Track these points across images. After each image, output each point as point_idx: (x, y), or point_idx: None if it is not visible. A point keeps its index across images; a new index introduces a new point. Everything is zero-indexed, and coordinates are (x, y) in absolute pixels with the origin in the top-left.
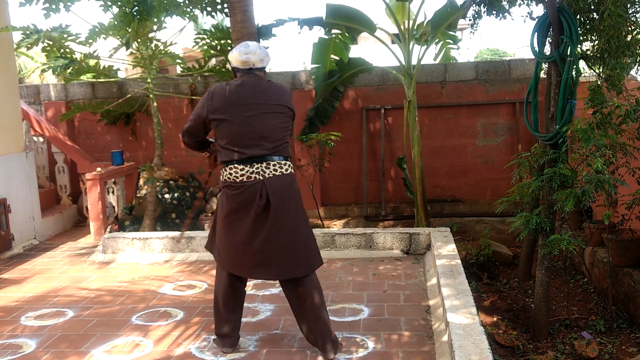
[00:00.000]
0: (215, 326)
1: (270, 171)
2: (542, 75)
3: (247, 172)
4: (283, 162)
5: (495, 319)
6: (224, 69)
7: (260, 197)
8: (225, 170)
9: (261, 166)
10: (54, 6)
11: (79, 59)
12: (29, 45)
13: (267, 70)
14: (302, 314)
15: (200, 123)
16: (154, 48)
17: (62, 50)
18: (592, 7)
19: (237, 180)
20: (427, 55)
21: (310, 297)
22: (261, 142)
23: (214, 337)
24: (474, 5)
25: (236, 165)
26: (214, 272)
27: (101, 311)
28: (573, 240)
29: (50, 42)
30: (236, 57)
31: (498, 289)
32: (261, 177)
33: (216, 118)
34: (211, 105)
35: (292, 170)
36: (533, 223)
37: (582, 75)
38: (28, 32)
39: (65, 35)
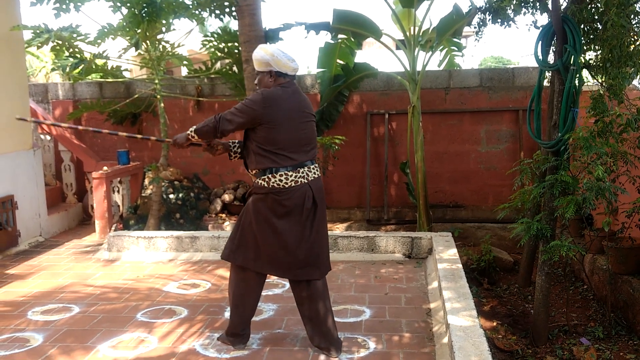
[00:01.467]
0: (234, 327)
1: (312, 174)
2: (546, 83)
3: (295, 177)
4: (316, 165)
5: (494, 323)
6: (230, 72)
7: (307, 199)
8: (274, 177)
9: (305, 170)
10: (64, 6)
11: (88, 59)
12: (40, 44)
13: None
14: (311, 315)
15: (249, 123)
16: (162, 49)
17: (70, 50)
18: (596, 17)
19: (287, 185)
20: (432, 61)
21: (322, 298)
22: (307, 149)
23: (217, 335)
24: (479, 13)
25: (287, 171)
26: (217, 271)
27: (106, 307)
28: (573, 247)
29: (60, 42)
30: (285, 63)
31: (498, 295)
32: (306, 181)
33: (271, 122)
34: (270, 109)
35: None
36: (534, 229)
37: (585, 84)
38: (39, 31)
39: (74, 35)
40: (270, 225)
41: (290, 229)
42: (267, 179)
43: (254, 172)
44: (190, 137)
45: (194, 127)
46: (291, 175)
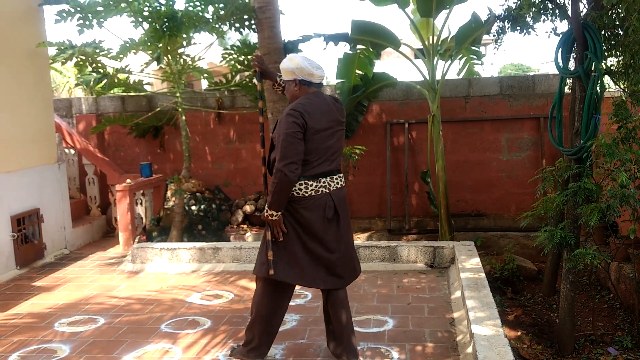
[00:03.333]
0: (257, 342)
1: (335, 184)
2: (567, 90)
3: (315, 186)
4: (341, 174)
5: (519, 333)
6: (250, 84)
7: (328, 209)
8: (295, 185)
9: (326, 180)
10: (87, 22)
11: (111, 74)
12: (64, 60)
13: None
14: (338, 323)
15: (301, 145)
16: (182, 63)
17: (93, 65)
18: (617, 23)
19: (307, 194)
20: (451, 70)
21: (347, 305)
22: (331, 158)
23: (234, 346)
24: (498, 21)
25: (307, 180)
26: (240, 282)
27: (131, 319)
28: (598, 255)
29: (83, 57)
30: (309, 70)
31: (522, 304)
32: (327, 190)
33: (309, 135)
34: (308, 120)
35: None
36: (557, 237)
37: (607, 90)
38: (63, 48)
39: (97, 51)
40: (293, 235)
41: (312, 239)
42: None
43: None
44: (274, 215)
45: (269, 207)
46: (311, 185)
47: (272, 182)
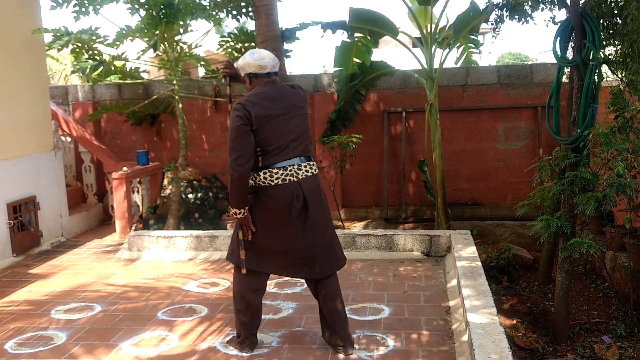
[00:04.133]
0: (243, 335)
1: (303, 172)
2: (564, 79)
3: (281, 175)
4: (311, 162)
5: (514, 321)
6: None
7: (297, 199)
8: (259, 175)
9: (293, 168)
10: (83, 9)
11: (107, 61)
12: (60, 47)
13: (288, 73)
14: (330, 313)
15: (248, 138)
16: (179, 50)
17: (90, 52)
18: (615, 11)
19: (272, 183)
20: (449, 59)
21: (337, 295)
22: (295, 144)
23: (228, 339)
24: (496, 9)
25: (271, 169)
26: None
27: (128, 306)
28: (594, 244)
29: (80, 44)
30: (252, 62)
31: (518, 292)
32: (295, 179)
33: (258, 126)
34: (252, 110)
35: (317, 168)
36: (554, 226)
37: (604, 79)
38: (59, 34)
39: (94, 37)
40: (262, 224)
41: (281, 228)
42: (254, 178)
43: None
44: (238, 212)
45: (230, 205)
46: (276, 173)
47: (230, 181)
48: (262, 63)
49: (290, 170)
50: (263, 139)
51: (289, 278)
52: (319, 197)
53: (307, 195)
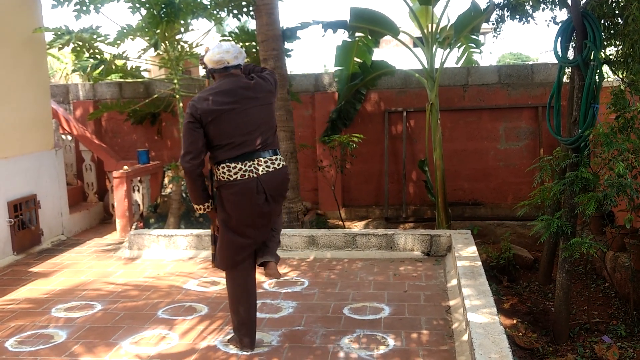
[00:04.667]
0: (240, 334)
1: (264, 167)
2: (565, 79)
3: (239, 169)
4: (274, 157)
5: (515, 321)
6: None
7: (258, 194)
8: (218, 170)
9: (253, 163)
10: (84, 8)
11: (108, 60)
12: (61, 46)
13: (289, 72)
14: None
15: (200, 135)
16: (180, 49)
17: (91, 51)
18: (617, 12)
19: (231, 178)
20: (450, 58)
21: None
22: (253, 137)
23: (228, 338)
24: (497, 9)
25: (229, 163)
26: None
27: (128, 305)
28: (594, 244)
29: (81, 43)
30: (210, 57)
31: (518, 292)
32: (255, 175)
33: (210, 122)
34: (199, 112)
35: (284, 163)
36: (554, 226)
37: (605, 79)
38: (60, 33)
39: (95, 36)
40: (224, 221)
41: (240, 224)
42: (215, 172)
43: None
44: (198, 209)
45: (191, 201)
46: (234, 167)
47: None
48: (216, 58)
49: (250, 166)
50: (215, 134)
51: (289, 277)
52: (281, 194)
53: (268, 191)
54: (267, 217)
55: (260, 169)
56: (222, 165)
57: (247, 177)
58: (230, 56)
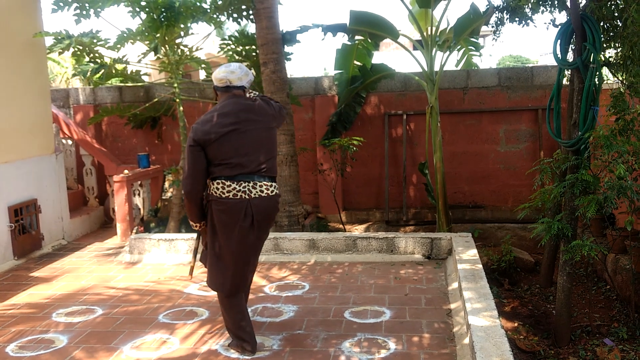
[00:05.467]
0: (241, 339)
1: (257, 192)
2: (565, 82)
3: (233, 188)
4: (269, 183)
5: (516, 324)
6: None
7: (246, 217)
8: (213, 184)
9: (247, 185)
10: (84, 12)
11: (108, 64)
12: (61, 50)
13: (289, 75)
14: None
15: (201, 157)
16: (180, 53)
17: (91, 55)
18: (616, 14)
19: (223, 195)
20: (449, 61)
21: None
22: (250, 159)
23: (229, 342)
24: (496, 12)
25: (224, 180)
26: None
27: (129, 309)
28: (595, 247)
29: (81, 47)
30: (215, 75)
31: (519, 295)
32: (247, 197)
33: (209, 145)
34: (200, 136)
35: (277, 191)
36: (555, 229)
37: (605, 82)
38: (60, 38)
39: (95, 41)
40: (212, 237)
41: (227, 242)
42: (209, 187)
43: None
44: (194, 225)
45: (187, 216)
46: (229, 186)
47: (185, 201)
48: (220, 76)
49: (244, 187)
50: (215, 154)
51: (290, 281)
52: (268, 221)
53: (256, 215)
54: (251, 248)
55: (254, 192)
56: (217, 181)
57: (239, 197)
58: (234, 77)
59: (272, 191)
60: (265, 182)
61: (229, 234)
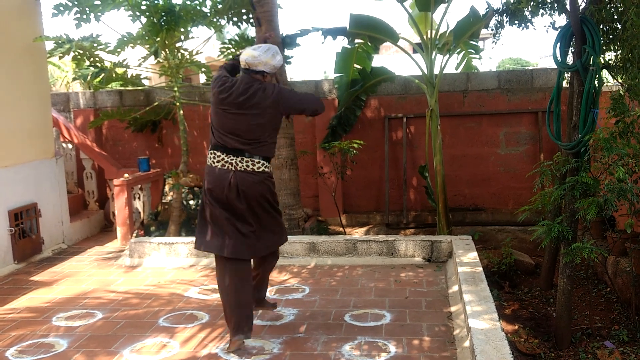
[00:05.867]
0: (237, 326)
1: (242, 166)
2: (565, 84)
3: (222, 159)
4: (255, 161)
5: (516, 327)
6: None
7: (231, 187)
8: (209, 154)
9: (235, 158)
10: (84, 16)
11: (109, 68)
12: (61, 54)
13: (289, 79)
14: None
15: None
16: (180, 57)
17: (91, 59)
18: (615, 17)
19: (213, 165)
20: (449, 64)
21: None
22: (232, 137)
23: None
24: (496, 15)
25: (216, 150)
26: None
27: (129, 313)
28: (595, 249)
29: (81, 51)
30: (242, 55)
31: (519, 298)
32: (232, 169)
33: (212, 92)
34: (217, 85)
35: (267, 170)
36: (555, 231)
37: (605, 84)
38: (60, 42)
39: (95, 45)
40: (204, 202)
41: (215, 207)
42: (208, 156)
43: None
44: None
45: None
46: (218, 156)
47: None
48: (242, 57)
49: (231, 159)
50: (212, 120)
51: (290, 285)
52: (255, 196)
53: (241, 186)
54: (243, 213)
55: (240, 166)
56: (211, 151)
57: (225, 167)
58: (254, 61)
59: (258, 167)
60: (252, 160)
61: (215, 200)
